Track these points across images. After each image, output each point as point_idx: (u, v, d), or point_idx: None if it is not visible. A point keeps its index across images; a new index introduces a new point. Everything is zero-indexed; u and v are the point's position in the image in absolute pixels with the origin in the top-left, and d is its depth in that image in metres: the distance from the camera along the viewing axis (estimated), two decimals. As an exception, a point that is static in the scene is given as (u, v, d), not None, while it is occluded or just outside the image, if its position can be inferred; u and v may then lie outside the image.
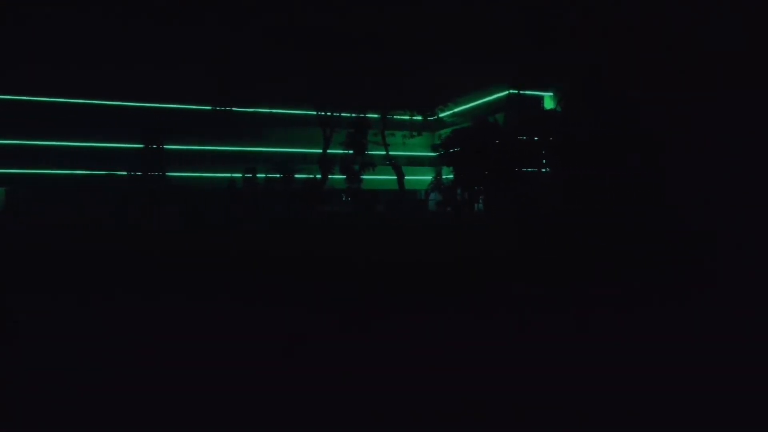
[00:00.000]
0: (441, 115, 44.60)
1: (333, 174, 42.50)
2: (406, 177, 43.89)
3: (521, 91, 40.42)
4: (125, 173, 39.92)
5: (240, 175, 41.86)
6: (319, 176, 42.20)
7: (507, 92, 41.09)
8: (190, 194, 36.15)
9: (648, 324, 7.13)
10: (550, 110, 39.80)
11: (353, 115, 42.19)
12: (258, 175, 41.68)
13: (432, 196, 46.95)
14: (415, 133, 44.77)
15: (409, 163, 50.96)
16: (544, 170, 39.09)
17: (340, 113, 41.82)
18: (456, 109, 45.57)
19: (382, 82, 40.08)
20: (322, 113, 42.18)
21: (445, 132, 42.96)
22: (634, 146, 31.20)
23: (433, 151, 42.63)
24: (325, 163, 42.04)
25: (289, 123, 49.42)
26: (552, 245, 17.55)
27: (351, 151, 42.32)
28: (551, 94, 41.63)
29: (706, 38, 26.74)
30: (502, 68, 40.56)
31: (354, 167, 42.72)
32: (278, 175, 42.20)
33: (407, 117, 44.34)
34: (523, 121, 37.96)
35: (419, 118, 43.48)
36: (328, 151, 42.35)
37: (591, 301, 8.37)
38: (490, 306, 8.20)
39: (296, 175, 41.89)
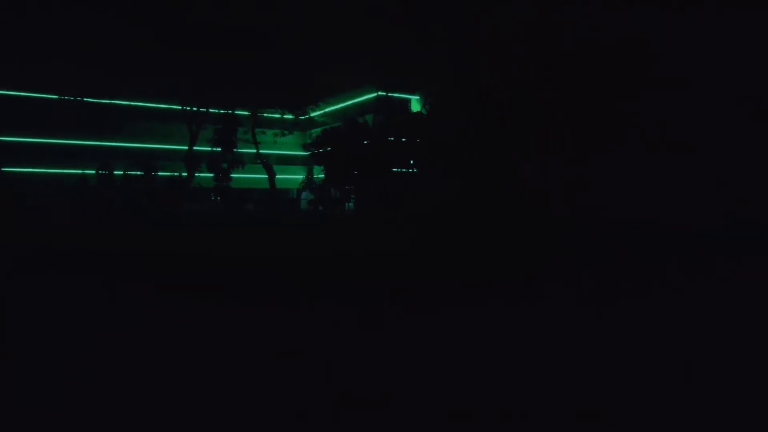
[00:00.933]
0: (312, 114, 44.86)
1: (200, 172, 40.87)
2: (277, 176, 43.55)
3: (389, 93, 42.07)
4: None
5: (94, 171, 38.57)
6: (185, 174, 40.34)
7: (375, 94, 42.46)
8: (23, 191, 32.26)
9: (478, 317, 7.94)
10: (417, 113, 41.89)
11: (221, 111, 40.97)
12: (115, 172, 38.73)
13: (304, 195, 47.04)
14: (286, 132, 44.59)
15: (281, 161, 50.64)
16: (412, 170, 41.04)
17: (207, 109, 40.32)
18: (327, 109, 46.14)
19: (253, 79, 39.36)
20: (188, 108, 40.38)
21: (316, 131, 43.31)
22: (499, 148, 33.80)
23: (305, 150, 42.79)
24: (192, 161, 40.31)
25: (151, 117, 46.62)
26: (412, 241, 18.59)
27: (219, 149, 41.07)
28: (418, 97, 43.72)
29: (572, 39, 29.02)
30: (372, 70, 41.88)
31: (222, 165, 41.50)
32: (139, 173, 39.60)
33: (278, 115, 44.00)
34: (391, 123, 39.55)
35: (290, 116, 43.34)
36: (195, 148, 40.65)
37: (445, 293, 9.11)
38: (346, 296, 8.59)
39: (159, 173, 39.65)
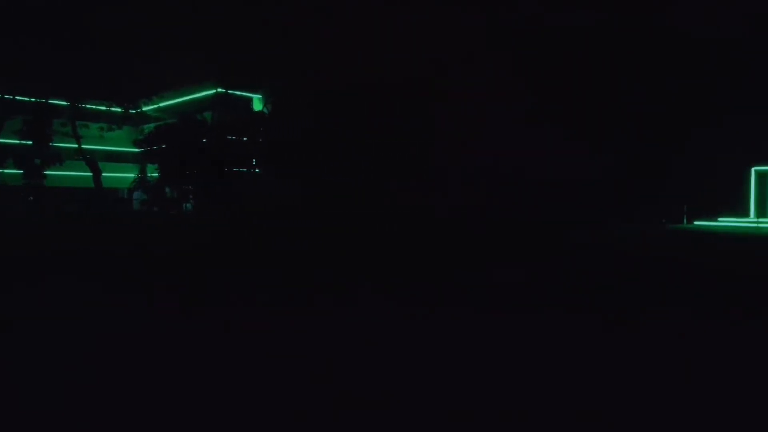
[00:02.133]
0: (145, 108, 41.73)
1: (5, 168, 35.87)
2: (104, 174, 39.83)
3: (229, 91, 40.72)
4: None
5: None
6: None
7: (215, 91, 40.85)
8: None
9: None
10: (259, 111, 41.12)
11: (33, 99, 36.37)
12: None
13: (136, 195, 43.58)
14: (114, 127, 40.98)
15: (109, 158, 46.46)
16: (255, 170, 40.18)
17: (13, 96, 35.47)
18: (161, 104, 43.25)
19: (74, 66, 35.38)
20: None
21: (148, 127, 40.42)
22: (340, 148, 34.36)
23: (136, 146, 39.69)
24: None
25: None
26: (250, 240, 18.26)
27: (30, 142, 36.43)
28: (260, 96, 42.92)
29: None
30: (211, 65, 40.10)
31: (35, 161, 36.90)
32: None
33: (104, 108, 40.27)
34: (232, 121, 38.34)
35: (119, 109, 39.87)
36: (-1, 140, 35.59)
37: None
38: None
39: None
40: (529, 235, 19.93)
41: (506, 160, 28.43)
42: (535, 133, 27.31)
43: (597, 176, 27.32)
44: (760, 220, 26.88)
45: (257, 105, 43.40)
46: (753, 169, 27.73)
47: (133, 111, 40.64)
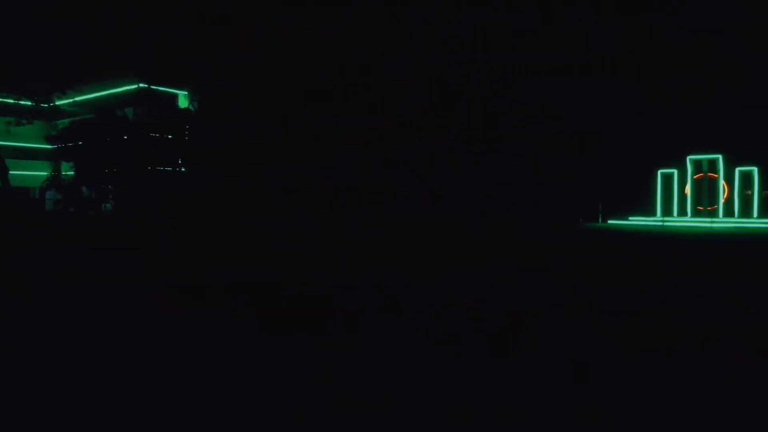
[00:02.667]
0: (58, 102, 39.17)
1: None
2: (12, 172, 37.02)
3: (153, 87, 39.02)
4: None
5: None
6: None
7: (137, 86, 39.02)
8: None
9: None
10: (185, 109, 39.68)
11: None
12: None
13: (49, 194, 40.89)
14: (23, 121, 38.16)
15: (18, 155, 43.27)
16: (181, 170, 38.72)
17: None
18: (77, 98, 40.76)
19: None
20: None
21: (63, 122, 38.03)
22: (266, 149, 33.79)
23: (49, 143, 37.21)
24: None
25: None
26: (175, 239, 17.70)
27: None
28: (186, 92, 41.47)
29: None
30: (133, 59, 38.24)
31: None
32: None
33: (11, 101, 37.44)
34: (156, 118, 36.77)
35: (28, 103, 37.20)
36: None
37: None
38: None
39: None
40: (437, 237, 20.55)
41: (416, 163, 29.05)
42: (442, 138, 28.13)
43: (504, 178, 28.55)
44: (665, 219, 29.10)
45: (183, 102, 41.89)
46: (659, 172, 29.97)
47: (45, 105, 38.04)
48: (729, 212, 28.30)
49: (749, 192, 28.18)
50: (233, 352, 5.49)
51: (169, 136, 37.28)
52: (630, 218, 30.10)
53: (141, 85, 38.52)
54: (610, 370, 4.92)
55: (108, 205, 38.93)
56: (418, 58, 28.44)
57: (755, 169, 27.85)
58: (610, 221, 30.37)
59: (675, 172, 29.43)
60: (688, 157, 29.32)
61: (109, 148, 34.77)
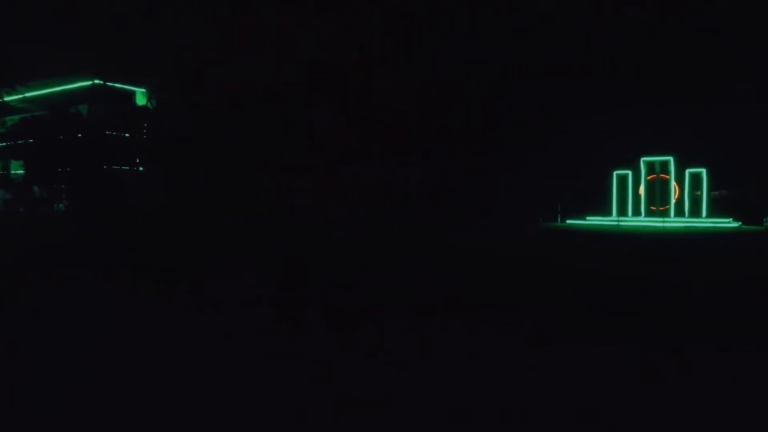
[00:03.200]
0: (7, 99, 37.56)
1: None
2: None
3: (108, 83, 37.86)
4: None
5: None
6: None
7: (92, 82, 37.78)
8: None
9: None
10: (143, 107, 38.60)
11: None
12: None
13: (-3, 194, 39.24)
14: (-31, 117, 36.58)
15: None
16: (139, 168, 37.68)
17: None
18: (27, 94, 39.16)
19: None
20: None
21: (12, 119, 36.51)
22: (220, 149, 33.16)
23: (-3, 141, 35.72)
24: None
25: None
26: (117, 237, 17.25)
27: None
28: (144, 90, 40.35)
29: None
30: (89, 55, 37.00)
31: None
32: None
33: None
34: (112, 116, 35.67)
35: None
36: None
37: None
38: None
39: None
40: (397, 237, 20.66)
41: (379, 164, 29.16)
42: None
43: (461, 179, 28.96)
44: (620, 218, 29.96)
45: (141, 99, 40.78)
46: (614, 173, 30.82)
47: (-7, 101, 36.44)
48: (680, 212, 29.35)
49: (698, 193, 29.28)
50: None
51: (126, 135, 36.28)
52: (587, 218, 30.87)
53: (96, 81, 37.33)
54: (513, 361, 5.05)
55: (61, 205, 37.58)
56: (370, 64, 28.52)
57: (704, 171, 28.95)
58: (568, 221, 31.08)
59: (629, 173, 30.34)
60: (642, 159, 30.25)
61: (62, 147, 33.60)
